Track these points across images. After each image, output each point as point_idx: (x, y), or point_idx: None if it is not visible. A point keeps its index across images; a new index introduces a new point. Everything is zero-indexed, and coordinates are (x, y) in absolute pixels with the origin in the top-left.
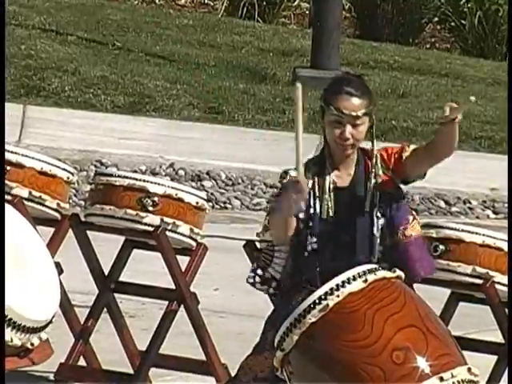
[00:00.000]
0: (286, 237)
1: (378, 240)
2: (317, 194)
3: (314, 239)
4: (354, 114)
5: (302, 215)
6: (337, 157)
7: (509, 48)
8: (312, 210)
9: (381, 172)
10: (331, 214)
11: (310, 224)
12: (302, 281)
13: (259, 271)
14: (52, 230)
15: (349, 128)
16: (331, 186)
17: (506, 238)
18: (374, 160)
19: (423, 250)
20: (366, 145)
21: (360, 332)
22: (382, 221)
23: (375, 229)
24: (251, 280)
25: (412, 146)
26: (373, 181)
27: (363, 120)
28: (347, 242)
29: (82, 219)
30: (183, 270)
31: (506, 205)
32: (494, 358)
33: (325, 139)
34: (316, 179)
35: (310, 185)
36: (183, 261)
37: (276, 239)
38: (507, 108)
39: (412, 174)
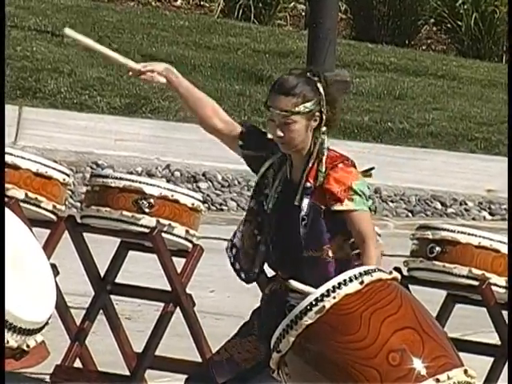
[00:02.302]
0: (188, 107)
1: (301, 248)
2: (269, 186)
3: (266, 231)
4: (280, 112)
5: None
6: (290, 154)
7: (509, 48)
8: (267, 192)
9: (321, 178)
10: (270, 206)
11: (264, 215)
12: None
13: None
14: (48, 231)
15: (280, 127)
16: (282, 179)
17: (502, 239)
18: (318, 164)
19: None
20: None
21: (356, 334)
22: (303, 230)
23: (299, 236)
24: (227, 250)
25: (350, 205)
26: (308, 184)
27: (294, 119)
28: (281, 240)
29: (78, 221)
30: (179, 271)
31: (503, 206)
32: (491, 359)
33: None
34: (275, 171)
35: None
36: (179, 262)
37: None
38: (507, 109)
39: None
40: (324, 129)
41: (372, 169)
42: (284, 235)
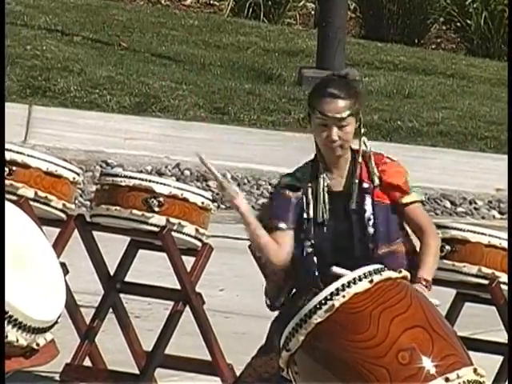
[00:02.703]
0: (259, 247)
1: (371, 247)
2: (311, 198)
3: (309, 243)
4: (338, 116)
5: (293, 220)
6: (328, 159)
7: (509, 49)
8: (305, 215)
9: (377, 176)
10: (326, 217)
11: (305, 228)
12: (306, 284)
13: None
14: (58, 230)
15: (335, 130)
16: (325, 189)
17: None
18: (367, 164)
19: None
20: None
21: (366, 332)
22: (372, 230)
23: (368, 236)
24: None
25: (415, 196)
26: (365, 185)
27: (349, 121)
28: (344, 246)
29: (88, 220)
30: (189, 270)
31: None
32: (500, 358)
33: (316, 143)
34: (310, 183)
35: (302, 190)
36: (189, 261)
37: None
38: (507, 108)
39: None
40: (363, 129)
41: None
42: (346, 243)
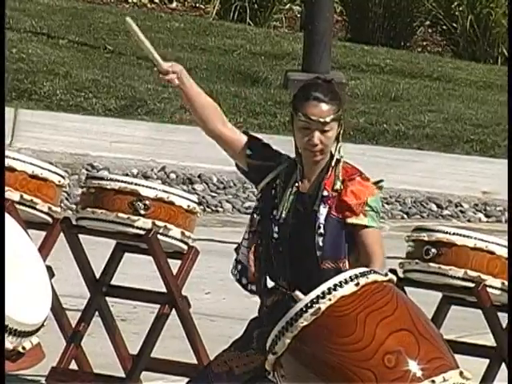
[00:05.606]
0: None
1: (318, 258)
2: (279, 196)
3: (274, 240)
4: (321, 120)
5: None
6: (305, 162)
7: (509, 47)
8: (275, 212)
9: (338, 186)
10: (284, 216)
11: (272, 225)
12: (267, 280)
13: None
14: (43, 233)
15: (317, 134)
16: (294, 189)
17: (497, 241)
18: (334, 171)
19: None
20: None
21: (352, 335)
22: (321, 241)
23: (317, 246)
24: (232, 269)
25: (365, 220)
26: (325, 193)
27: (331, 126)
28: (297, 250)
29: (74, 223)
30: (175, 273)
31: (498, 208)
32: (486, 361)
33: (295, 144)
34: (283, 182)
35: (277, 170)
36: (175, 264)
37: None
38: (507, 109)
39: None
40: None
41: (381, 181)
42: (299, 246)
